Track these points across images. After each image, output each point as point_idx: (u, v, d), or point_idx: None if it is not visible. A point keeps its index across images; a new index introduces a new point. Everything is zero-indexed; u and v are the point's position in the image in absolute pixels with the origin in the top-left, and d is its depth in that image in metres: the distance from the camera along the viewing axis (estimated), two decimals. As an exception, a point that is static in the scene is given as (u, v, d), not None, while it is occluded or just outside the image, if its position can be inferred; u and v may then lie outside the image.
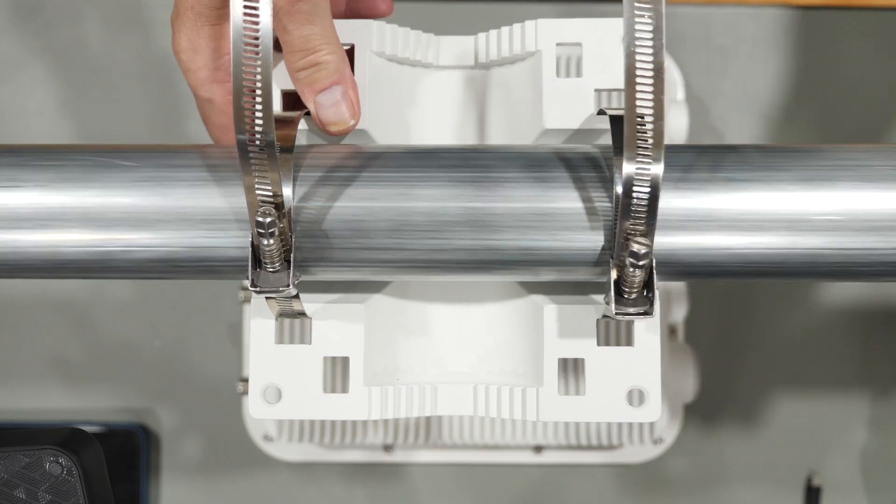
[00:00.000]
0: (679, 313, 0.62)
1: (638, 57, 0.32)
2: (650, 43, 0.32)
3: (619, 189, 0.35)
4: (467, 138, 0.45)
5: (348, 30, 0.42)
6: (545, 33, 0.42)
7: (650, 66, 0.32)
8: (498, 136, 0.45)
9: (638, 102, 0.33)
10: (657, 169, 0.34)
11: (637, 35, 0.32)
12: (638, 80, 0.33)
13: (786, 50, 0.66)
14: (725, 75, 0.67)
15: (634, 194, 0.34)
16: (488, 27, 0.44)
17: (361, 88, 0.42)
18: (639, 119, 0.33)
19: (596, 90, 0.42)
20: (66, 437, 0.43)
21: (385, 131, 0.43)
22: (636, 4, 0.32)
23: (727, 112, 0.67)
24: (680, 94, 0.64)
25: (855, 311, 0.67)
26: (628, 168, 0.34)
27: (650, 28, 0.32)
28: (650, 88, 0.33)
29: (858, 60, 0.66)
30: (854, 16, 0.66)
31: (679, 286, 0.62)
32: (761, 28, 0.67)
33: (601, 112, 0.40)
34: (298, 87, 0.40)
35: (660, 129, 0.33)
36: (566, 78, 0.42)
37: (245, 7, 0.33)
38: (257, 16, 0.33)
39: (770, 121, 0.67)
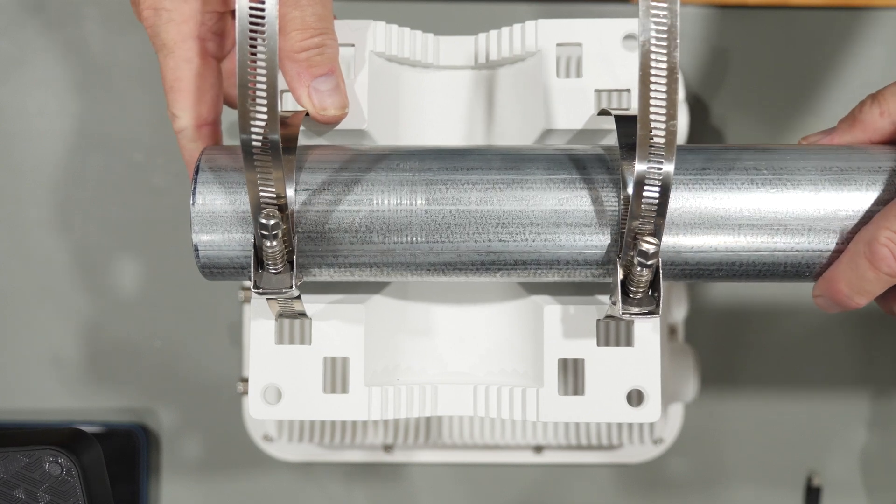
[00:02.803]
0: (679, 313, 0.62)
1: (653, 56, 0.32)
2: (665, 42, 0.32)
3: (629, 189, 0.35)
4: (469, 138, 0.45)
5: (348, 30, 0.42)
6: (545, 33, 0.42)
7: (664, 65, 0.32)
8: (499, 137, 0.45)
9: (651, 102, 0.33)
10: (669, 168, 0.34)
11: (652, 34, 0.32)
12: (652, 79, 0.33)
13: (786, 50, 0.66)
14: (725, 75, 0.67)
15: (645, 193, 0.35)
16: (488, 27, 0.44)
17: (361, 88, 0.41)
18: (651, 118, 0.33)
19: (596, 90, 0.42)
20: (65, 438, 0.43)
21: (385, 131, 0.43)
22: (652, 3, 0.32)
23: (727, 112, 0.67)
24: (680, 94, 0.64)
25: (855, 311, 0.67)
26: (640, 167, 0.34)
27: (665, 27, 0.32)
28: (664, 88, 0.33)
29: (859, 60, 0.66)
30: (854, 16, 0.66)
31: (679, 286, 0.62)
32: (761, 28, 0.67)
33: (602, 112, 0.40)
34: (294, 68, 0.39)
35: (672, 128, 0.33)
36: (566, 78, 0.42)
37: (251, 4, 0.33)
38: (263, 10, 0.33)
39: (770, 121, 0.67)
